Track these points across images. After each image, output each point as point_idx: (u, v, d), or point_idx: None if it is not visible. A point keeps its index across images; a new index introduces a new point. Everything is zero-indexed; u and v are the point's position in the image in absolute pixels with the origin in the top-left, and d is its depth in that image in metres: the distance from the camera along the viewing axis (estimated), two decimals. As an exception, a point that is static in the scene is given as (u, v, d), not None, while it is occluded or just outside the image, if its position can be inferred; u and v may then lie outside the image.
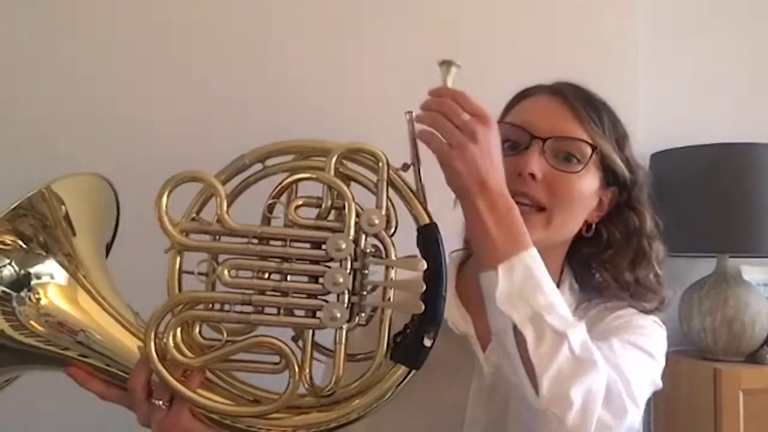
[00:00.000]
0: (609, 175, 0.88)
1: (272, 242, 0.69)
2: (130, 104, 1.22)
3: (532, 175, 0.82)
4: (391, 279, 0.69)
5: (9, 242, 0.67)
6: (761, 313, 1.45)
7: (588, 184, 0.86)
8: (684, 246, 1.48)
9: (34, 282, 0.68)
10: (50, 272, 0.69)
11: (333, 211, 0.72)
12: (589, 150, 0.84)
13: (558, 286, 0.88)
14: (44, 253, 0.69)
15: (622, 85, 1.40)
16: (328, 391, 0.69)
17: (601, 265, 0.90)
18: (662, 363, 0.84)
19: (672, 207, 1.44)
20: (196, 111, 1.24)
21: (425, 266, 0.68)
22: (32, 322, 0.68)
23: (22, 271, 0.68)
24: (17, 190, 0.70)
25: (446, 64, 0.76)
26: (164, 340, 0.67)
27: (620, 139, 0.89)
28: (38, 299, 0.68)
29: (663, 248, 0.92)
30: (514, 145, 0.85)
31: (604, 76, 1.34)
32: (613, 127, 0.88)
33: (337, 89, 1.29)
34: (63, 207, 0.72)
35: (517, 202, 0.79)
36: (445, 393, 0.87)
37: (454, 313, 0.86)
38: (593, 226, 0.89)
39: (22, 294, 0.67)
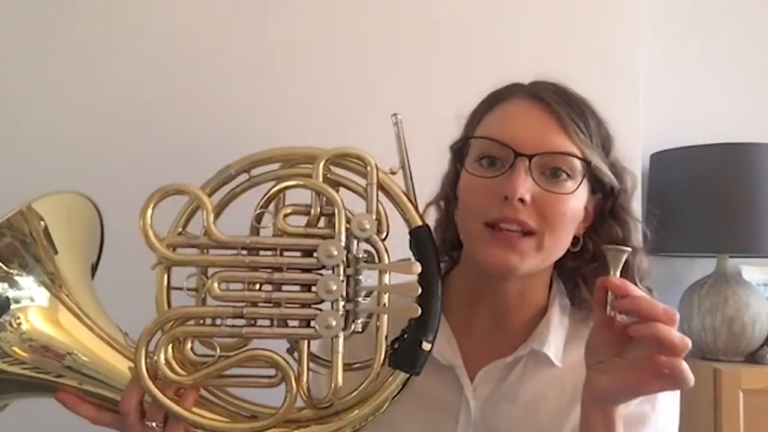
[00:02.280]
0: (595, 183, 0.81)
1: (262, 252, 0.67)
2: (112, 116, 1.20)
3: (521, 200, 0.74)
4: (386, 284, 0.68)
5: (-11, 266, 0.65)
6: (761, 313, 1.44)
7: (578, 200, 0.78)
8: (684, 246, 1.47)
9: (14, 306, 0.65)
10: (31, 294, 0.67)
11: (323, 218, 0.70)
12: (578, 163, 0.77)
13: (547, 306, 0.84)
14: (25, 275, 0.67)
15: (622, 85, 1.40)
16: (327, 402, 0.67)
17: (583, 280, 0.84)
18: None
19: (672, 207, 1.46)
20: (177, 121, 1.22)
21: (420, 269, 0.67)
22: (15, 349, 0.65)
23: (4, 296, 0.65)
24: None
25: (614, 252, 0.69)
26: (155, 358, 0.65)
27: (606, 143, 0.81)
28: (19, 324, 0.65)
29: (647, 261, 0.85)
30: (493, 161, 0.77)
31: (604, 76, 1.37)
32: (598, 131, 0.80)
33: (321, 94, 1.28)
34: (42, 223, 0.69)
35: (505, 229, 0.75)
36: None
37: (439, 341, 0.74)
38: (580, 239, 0.82)
39: (2, 319, 0.65)
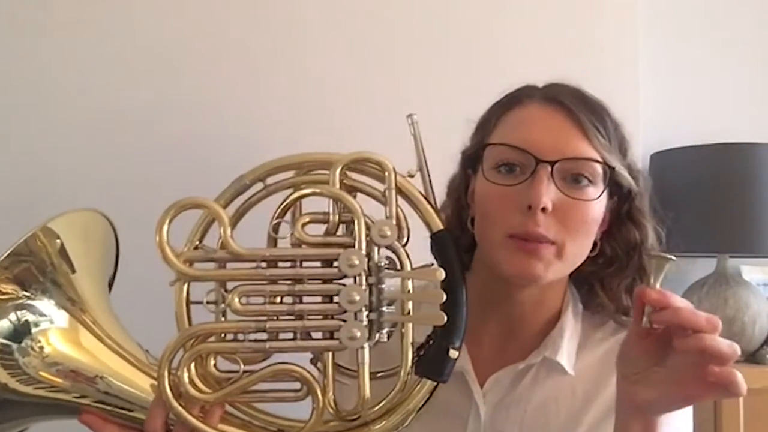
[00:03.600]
0: (613, 187, 0.79)
1: (282, 264, 0.66)
2: (123, 127, 1.18)
3: (543, 209, 0.72)
4: (409, 291, 0.66)
5: (9, 291, 0.64)
6: (761, 313, 1.44)
7: (600, 206, 0.77)
8: (684, 246, 1.45)
9: (34, 330, 0.65)
10: (51, 317, 0.66)
11: (341, 226, 0.69)
12: (600, 169, 0.75)
13: (561, 311, 0.83)
14: (45, 299, 0.66)
15: (622, 85, 1.39)
16: (354, 414, 0.66)
17: (600, 284, 0.83)
18: None
19: (672, 207, 1.45)
20: (187, 130, 1.20)
21: (443, 275, 0.65)
22: (42, 373, 0.65)
23: (23, 320, 0.64)
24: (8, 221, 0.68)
25: (657, 260, 0.65)
26: (178, 375, 0.63)
27: (623, 146, 0.80)
28: (41, 348, 0.64)
29: None
30: (511, 168, 0.75)
31: (604, 76, 1.35)
32: (616, 134, 0.79)
33: (329, 97, 1.27)
34: (58, 241, 0.68)
35: (526, 239, 0.73)
36: None
37: None
38: (597, 243, 0.80)
39: (23, 344, 0.64)
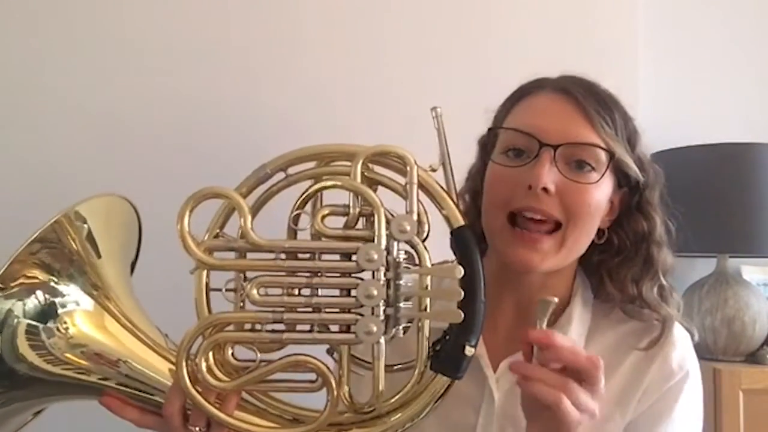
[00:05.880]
0: (621, 177, 0.81)
1: (301, 256, 0.66)
2: (143, 118, 1.20)
3: (545, 189, 0.75)
4: (427, 287, 0.66)
5: (36, 275, 0.65)
6: (761, 313, 1.43)
7: (603, 192, 0.79)
8: (684, 246, 1.44)
9: (61, 311, 0.66)
10: (77, 300, 0.67)
11: (361, 219, 0.69)
12: (603, 155, 0.77)
13: (570, 299, 0.84)
14: (70, 282, 0.67)
15: (622, 85, 1.36)
16: (369, 407, 0.66)
17: (608, 274, 0.84)
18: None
19: (672, 207, 1.44)
20: (211, 120, 1.22)
21: (462, 272, 0.65)
22: (67, 354, 0.66)
23: (50, 302, 0.66)
24: (29, 209, 0.69)
25: (544, 303, 0.69)
26: (196, 362, 0.64)
27: (632, 137, 0.82)
28: (66, 329, 0.66)
29: (671, 256, 0.85)
30: (519, 153, 0.78)
31: (604, 75, 1.31)
32: (625, 126, 0.81)
33: (354, 90, 1.28)
34: (86, 226, 0.69)
35: (528, 219, 0.76)
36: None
37: None
38: (605, 232, 0.83)
39: (50, 326, 0.65)
